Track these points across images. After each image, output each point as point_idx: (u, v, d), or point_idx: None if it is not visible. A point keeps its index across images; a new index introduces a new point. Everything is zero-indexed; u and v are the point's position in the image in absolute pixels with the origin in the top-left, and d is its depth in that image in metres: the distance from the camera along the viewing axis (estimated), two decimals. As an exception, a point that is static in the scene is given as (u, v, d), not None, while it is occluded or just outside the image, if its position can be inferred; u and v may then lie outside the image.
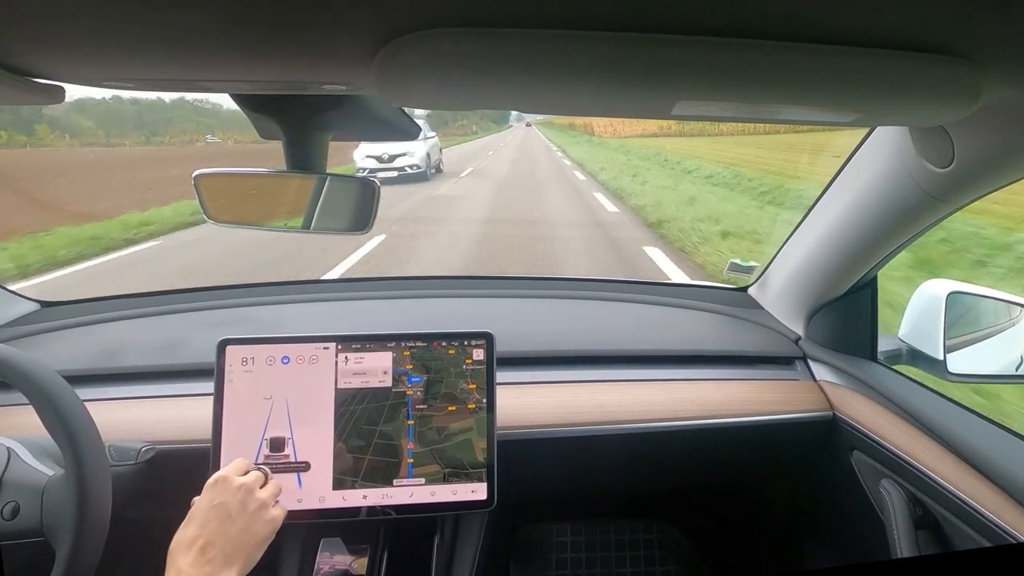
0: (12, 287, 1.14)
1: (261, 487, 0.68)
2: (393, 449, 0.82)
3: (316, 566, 0.84)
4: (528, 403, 0.95)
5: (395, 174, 10.93)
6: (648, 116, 0.52)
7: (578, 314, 1.23)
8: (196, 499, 0.65)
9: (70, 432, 0.63)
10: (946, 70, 0.40)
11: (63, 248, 5.86)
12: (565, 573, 1.34)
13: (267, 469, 0.73)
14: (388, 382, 0.83)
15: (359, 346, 0.83)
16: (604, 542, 1.37)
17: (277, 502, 0.70)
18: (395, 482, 0.81)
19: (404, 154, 11.16)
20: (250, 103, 0.63)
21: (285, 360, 0.82)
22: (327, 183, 0.67)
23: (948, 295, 0.93)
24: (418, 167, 11.33)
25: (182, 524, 0.62)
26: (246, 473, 0.69)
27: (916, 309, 0.98)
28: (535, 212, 8.22)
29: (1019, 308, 1.01)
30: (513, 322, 1.14)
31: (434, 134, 13.42)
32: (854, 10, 0.35)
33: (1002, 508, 0.69)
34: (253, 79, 0.49)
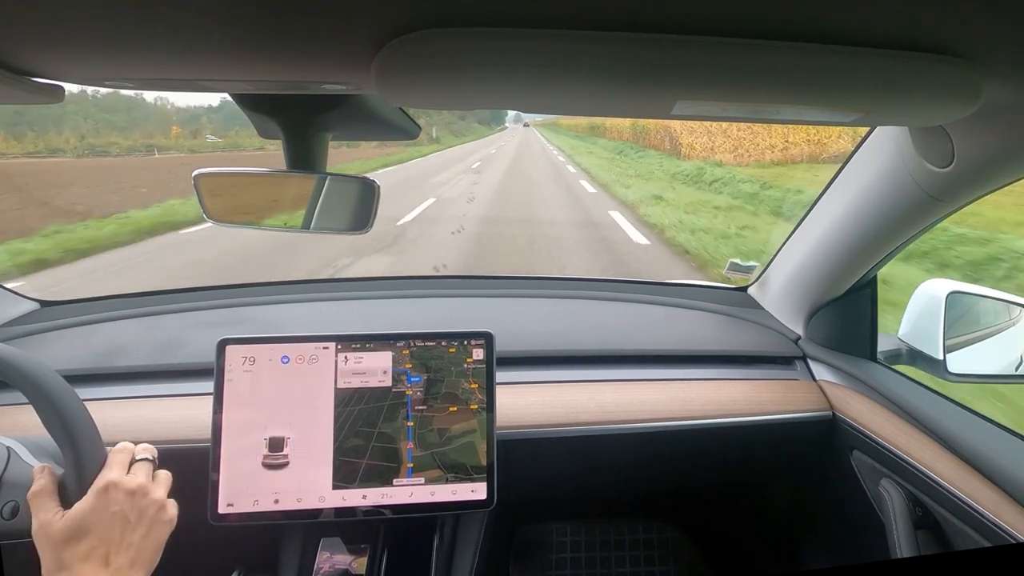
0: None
1: (153, 478, 0.66)
2: (393, 450, 0.82)
3: (316, 565, 0.84)
4: (528, 403, 0.95)
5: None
6: (648, 116, 0.52)
7: (578, 314, 1.23)
8: (78, 505, 0.60)
9: (70, 432, 0.63)
10: (946, 70, 0.40)
11: None
12: (565, 573, 1.34)
13: (153, 450, 0.69)
14: (388, 381, 0.83)
15: (359, 346, 0.83)
16: (604, 542, 1.37)
17: (171, 496, 0.66)
18: (395, 482, 0.81)
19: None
20: (250, 103, 0.63)
21: (285, 360, 0.82)
22: (327, 183, 0.67)
23: (948, 295, 0.93)
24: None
25: (65, 532, 0.58)
26: (133, 462, 0.65)
27: (916, 309, 0.98)
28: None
29: (1019, 308, 1.01)
30: (513, 322, 1.14)
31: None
32: (854, 10, 0.35)
33: (1002, 508, 0.69)
34: (253, 79, 0.49)
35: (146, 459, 0.67)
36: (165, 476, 0.68)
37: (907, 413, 0.86)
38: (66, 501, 0.63)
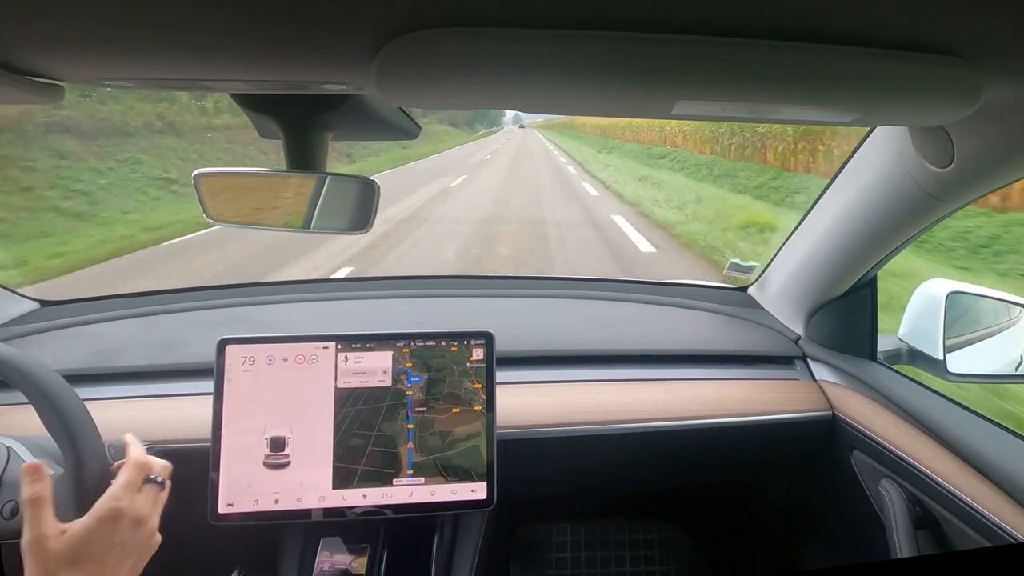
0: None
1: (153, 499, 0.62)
2: (392, 450, 0.82)
3: (316, 565, 0.84)
4: (528, 403, 0.95)
5: None
6: (648, 116, 0.52)
7: (578, 314, 1.23)
8: (82, 526, 0.56)
9: (70, 431, 0.63)
10: (946, 70, 0.40)
11: None
12: (565, 573, 1.34)
13: (169, 468, 0.67)
14: (388, 381, 0.83)
15: (359, 345, 0.83)
16: (604, 542, 1.37)
17: (170, 496, 0.64)
18: (395, 481, 0.81)
19: None
20: (250, 103, 0.63)
21: (285, 359, 0.82)
22: (327, 182, 0.67)
23: (948, 295, 0.93)
24: None
25: (65, 554, 0.54)
26: (146, 480, 0.62)
27: (916, 309, 0.98)
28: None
29: (1019, 308, 1.01)
30: (513, 322, 1.14)
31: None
32: (854, 10, 0.35)
33: (1002, 508, 0.69)
34: (253, 79, 0.49)
35: (155, 481, 0.63)
36: (163, 499, 0.65)
37: (907, 413, 0.86)
38: (59, 505, 0.62)
